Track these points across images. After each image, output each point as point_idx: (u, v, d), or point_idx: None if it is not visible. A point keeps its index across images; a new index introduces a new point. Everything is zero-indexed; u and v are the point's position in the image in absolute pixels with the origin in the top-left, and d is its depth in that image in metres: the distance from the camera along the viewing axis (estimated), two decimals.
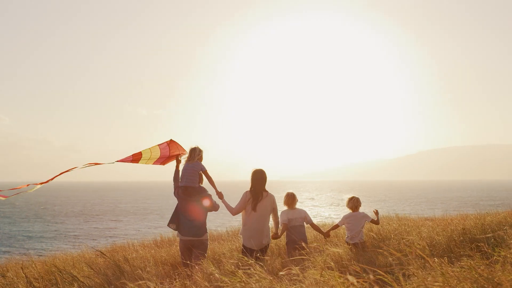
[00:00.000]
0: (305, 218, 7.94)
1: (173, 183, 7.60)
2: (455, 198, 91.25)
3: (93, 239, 34.90)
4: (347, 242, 8.00)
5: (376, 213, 8.43)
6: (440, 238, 7.42)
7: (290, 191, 8.14)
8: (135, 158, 7.63)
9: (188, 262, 7.00)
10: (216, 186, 7.47)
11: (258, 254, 7.12)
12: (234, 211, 7.44)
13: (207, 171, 7.45)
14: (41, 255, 16.26)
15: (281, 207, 8.08)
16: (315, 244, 8.10)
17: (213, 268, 5.34)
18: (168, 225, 7.38)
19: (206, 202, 7.29)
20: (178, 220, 7.29)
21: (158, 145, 7.75)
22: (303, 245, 7.13)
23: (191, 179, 7.31)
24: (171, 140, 7.75)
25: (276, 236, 7.74)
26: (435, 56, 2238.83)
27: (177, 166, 7.76)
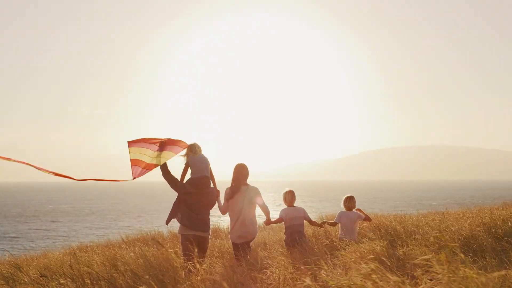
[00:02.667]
0: (304, 216, 7.97)
1: (166, 176, 7.14)
2: (395, 198, 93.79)
3: (31, 241, 34.04)
4: (340, 239, 7.88)
5: (360, 210, 8.42)
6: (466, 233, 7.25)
7: (289, 188, 8.11)
8: (149, 167, 7.06)
9: (187, 259, 6.73)
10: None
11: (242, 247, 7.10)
12: (222, 210, 7.31)
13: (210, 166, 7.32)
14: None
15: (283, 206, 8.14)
16: (336, 242, 7.81)
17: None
18: (166, 223, 7.10)
19: (219, 199, 7.28)
20: (185, 214, 6.95)
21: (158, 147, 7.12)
22: (302, 243, 7.25)
23: (205, 169, 7.10)
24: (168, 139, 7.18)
25: (268, 222, 7.77)
26: (379, 56, 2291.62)
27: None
